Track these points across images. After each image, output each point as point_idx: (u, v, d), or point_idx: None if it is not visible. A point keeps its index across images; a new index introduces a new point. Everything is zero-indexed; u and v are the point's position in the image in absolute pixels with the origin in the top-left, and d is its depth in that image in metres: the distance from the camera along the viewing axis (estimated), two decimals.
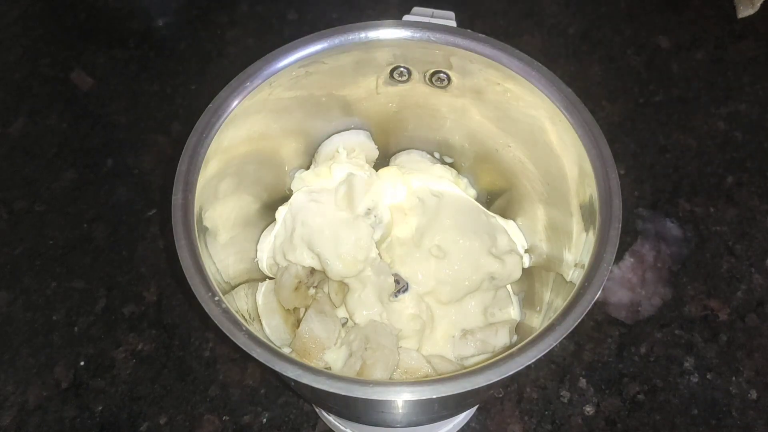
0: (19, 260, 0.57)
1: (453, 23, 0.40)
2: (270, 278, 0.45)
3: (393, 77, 0.41)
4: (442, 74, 0.40)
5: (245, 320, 0.31)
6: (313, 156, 0.46)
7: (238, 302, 0.40)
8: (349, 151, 0.46)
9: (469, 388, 0.28)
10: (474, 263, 0.42)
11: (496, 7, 0.76)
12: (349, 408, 0.36)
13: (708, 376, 0.51)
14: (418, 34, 0.38)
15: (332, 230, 0.43)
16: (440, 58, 0.39)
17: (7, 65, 0.71)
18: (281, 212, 0.46)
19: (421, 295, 0.42)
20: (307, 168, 0.47)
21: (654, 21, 0.74)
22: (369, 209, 0.45)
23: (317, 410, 0.48)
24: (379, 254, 0.43)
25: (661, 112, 0.66)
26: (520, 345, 0.29)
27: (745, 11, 0.61)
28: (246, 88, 0.37)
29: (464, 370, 0.28)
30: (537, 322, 0.40)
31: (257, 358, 0.28)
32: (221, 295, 0.31)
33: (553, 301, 0.39)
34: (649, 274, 0.56)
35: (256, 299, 0.43)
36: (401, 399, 0.28)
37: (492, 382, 0.28)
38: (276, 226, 0.46)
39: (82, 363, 0.51)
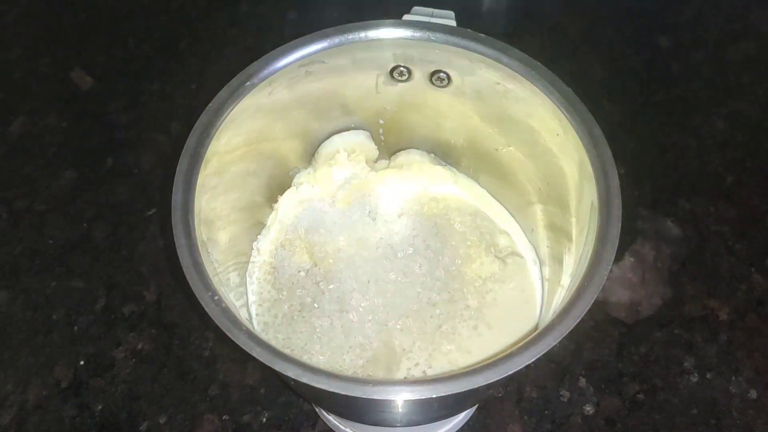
0: (19, 260, 0.57)
1: (453, 23, 0.40)
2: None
3: (393, 77, 0.41)
4: (442, 74, 0.40)
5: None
6: (313, 156, 0.46)
7: (238, 302, 0.40)
8: (349, 152, 0.46)
9: (469, 388, 0.28)
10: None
11: (496, 7, 0.75)
12: (349, 407, 0.36)
13: (708, 376, 0.51)
14: (418, 34, 0.38)
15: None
16: (440, 57, 0.39)
17: (7, 65, 0.70)
18: (277, 214, 0.46)
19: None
20: (308, 168, 0.47)
21: (654, 21, 0.74)
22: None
23: (317, 410, 0.48)
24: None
25: (661, 112, 0.66)
26: (520, 345, 0.29)
27: None
28: (246, 88, 0.37)
29: (464, 370, 0.28)
30: None
31: (257, 357, 0.28)
32: (221, 294, 0.31)
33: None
34: (649, 274, 0.56)
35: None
36: (401, 398, 0.28)
37: (492, 381, 0.28)
38: (275, 226, 0.46)
39: (81, 362, 0.51)
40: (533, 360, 0.28)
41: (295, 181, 0.47)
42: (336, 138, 0.46)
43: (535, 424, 0.49)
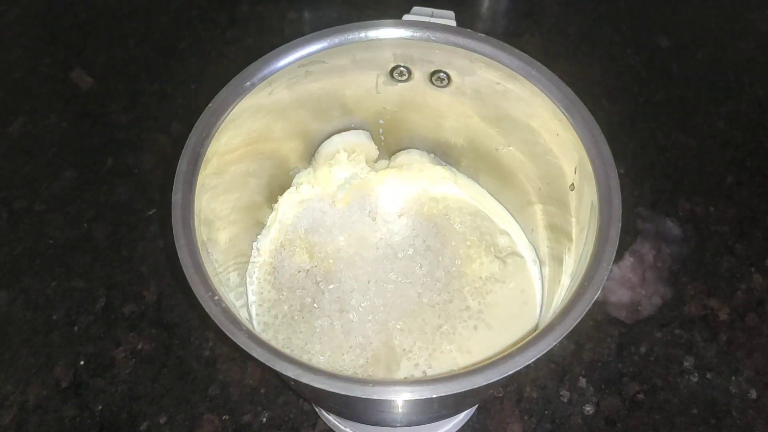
0: (19, 260, 0.57)
1: (453, 23, 0.40)
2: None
3: (393, 77, 0.41)
4: (442, 74, 0.40)
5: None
6: (313, 156, 0.46)
7: (238, 302, 0.40)
8: (349, 152, 0.46)
9: (469, 388, 0.28)
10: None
11: (496, 7, 0.75)
12: (349, 407, 0.36)
13: (708, 376, 0.51)
14: (418, 34, 0.38)
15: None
16: (440, 57, 0.39)
17: (7, 65, 0.70)
18: (277, 214, 0.46)
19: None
20: (308, 168, 0.47)
21: (654, 21, 0.74)
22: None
23: (317, 409, 0.48)
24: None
25: (661, 112, 0.66)
26: (519, 345, 0.29)
27: None
28: (246, 88, 0.37)
29: (464, 370, 0.28)
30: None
31: (257, 357, 0.28)
32: (221, 294, 0.31)
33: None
34: (649, 274, 0.56)
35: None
36: (401, 398, 0.28)
37: (492, 381, 0.28)
38: (275, 226, 0.46)
39: (81, 362, 0.51)
40: (533, 360, 0.28)
41: (295, 181, 0.47)
42: (336, 138, 0.46)
43: (535, 424, 0.49)
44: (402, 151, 0.48)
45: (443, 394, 0.28)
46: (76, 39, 0.73)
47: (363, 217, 0.45)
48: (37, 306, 0.54)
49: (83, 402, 0.50)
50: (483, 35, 0.38)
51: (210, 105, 0.36)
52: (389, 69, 0.41)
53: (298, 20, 0.74)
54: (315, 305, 0.42)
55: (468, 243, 0.45)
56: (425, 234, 0.45)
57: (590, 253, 0.32)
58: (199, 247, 0.32)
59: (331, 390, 0.28)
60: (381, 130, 0.46)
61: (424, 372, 0.40)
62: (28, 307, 0.54)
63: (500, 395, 0.50)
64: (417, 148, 0.48)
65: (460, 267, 0.44)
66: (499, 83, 0.39)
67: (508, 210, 0.47)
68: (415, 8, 0.42)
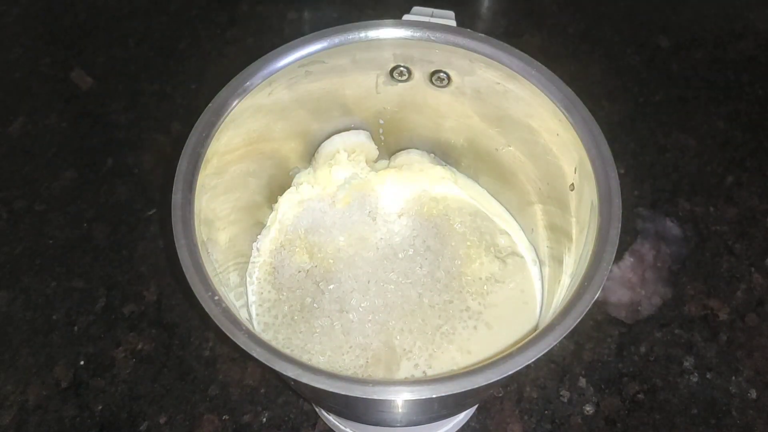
0: (19, 260, 0.57)
1: (453, 23, 0.40)
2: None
3: (393, 77, 0.41)
4: (442, 74, 0.40)
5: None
6: (313, 156, 0.46)
7: (238, 302, 0.40)
8: (349, 152, 0.46)
9: (469, 388, 0.28)
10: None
11: (496, 7, 0.76)
12: (349, 407, 0.36)
13: (708, 376, 0.51)
14: (418, 34, 0.38)
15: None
16: (440, 57, 0.39)
17: (7, 65, 0.70)
18: (277, 214, 0.46)
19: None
20: (308, 168, 0.47)
21: (654, 21, 0.74)
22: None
23: (317, 409, 0.48)
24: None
25: (661, 112, 0.66)
26: (520, 345, 0.29)
27: None
28: (246, 87, 0.37)
29: (464, 370, 0.28)
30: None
31: (257, 357, 0.28)
32: (221, 294, 0.31)
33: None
34: (649, 274, 0.56)
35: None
36: (401, 398, 0.28)
37: (491, 381, 0.28)
38: (275, 226, 0.46)
39: (81, 362, 0.51)
40: (533, 360, 0.28)
41: (295, 181, 0.47)
42: (336, 138, 0.46)
43: (535, 424, 0.49)
44: (402, 151, 0.48)
45: (443, 394, 0.28)
46: (76, 39, 0.73)
47: (363, 217, 0.45)
48: (37, 306, 0.54)
49: (83, 402, 0.50)
50: (483, 35, 0.38)
51: (210, 105, 0.36)
52: (389, 69, 0.41)
53: (298, 20, 0.74)
54: (315, 305, 0.42)
55: (468, 243, 0.45)
56: (425, 234, 0.45)
57: (590, 253, 0.32)
58: (199, 247, 0.32)
59: (331, 390, 0.28)
60: (381, 130, 0.46)
61: (424, 372, 0.40)
62: (28, 307, 0.54)
63: (500, 395, 0.50)
64: (417, 148, 0.48)
65: (460, 267, 0.44)
66: (499, 83, 0.39)
67: (508, 210, 0.47)
68: (415, 8, 0.42)
